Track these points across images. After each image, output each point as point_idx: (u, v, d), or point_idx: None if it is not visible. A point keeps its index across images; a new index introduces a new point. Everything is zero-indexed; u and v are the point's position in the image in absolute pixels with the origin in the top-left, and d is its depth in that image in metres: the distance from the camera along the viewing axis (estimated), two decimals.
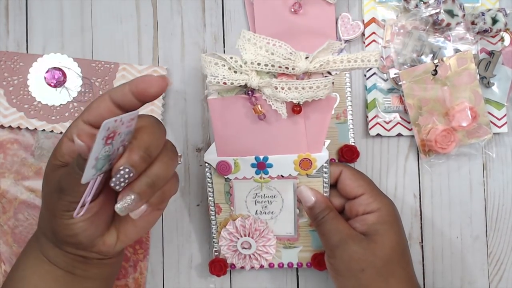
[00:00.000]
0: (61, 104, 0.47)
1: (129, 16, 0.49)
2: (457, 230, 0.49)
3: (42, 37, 0.49)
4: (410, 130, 0.48)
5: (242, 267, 0.47)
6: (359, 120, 0.49)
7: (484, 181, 0.49)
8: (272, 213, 0.46)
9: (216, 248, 0.47)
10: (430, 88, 0.47)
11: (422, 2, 0.46)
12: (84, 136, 0.28)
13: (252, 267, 0.46)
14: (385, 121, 0.48)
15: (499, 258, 0.49)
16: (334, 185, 0.45)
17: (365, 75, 0.49)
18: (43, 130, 0.47)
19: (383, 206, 0.41)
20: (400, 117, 0.48)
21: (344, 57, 0.39)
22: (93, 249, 0.35)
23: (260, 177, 0.44)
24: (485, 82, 0.48)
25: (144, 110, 0.47)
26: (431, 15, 0.47)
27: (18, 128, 0.47)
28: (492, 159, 0.49)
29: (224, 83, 0.39)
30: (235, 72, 0.39)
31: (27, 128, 0.47)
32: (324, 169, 0.43)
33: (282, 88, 0.39)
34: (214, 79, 0.39)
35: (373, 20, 0.48)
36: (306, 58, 0.39)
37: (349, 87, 0.47)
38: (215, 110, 0.42)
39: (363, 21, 0.48)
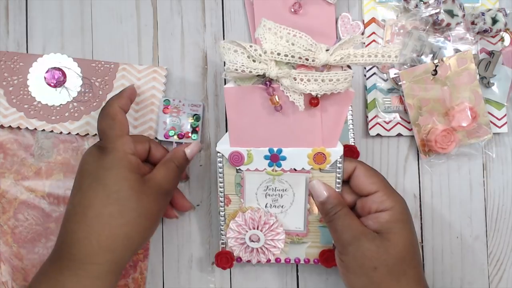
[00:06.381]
0: (61, 104, 0.47)
1: (129, 16, 0.49)
2: (457, 230, 0.49)
3: (42, 37, 0.49)
4: (410, 130, 0.48)
5: (249, 261, 0.46)
6: (359, 120, 0.49)
7: (484, 181, 0.49)
8: (282, 207, 0.45)
9: (223, 240, 0.46)
10: (430, 88, 0.47)
11: (422, 2, 0.46)
12: None
13: (259, 261, 0.46)
14: (385, 121, 0.48)
15: (499, 258, 0.49)
16: (345, 181, 0.44)
17: (365, 75, 0.48)
18: (43, 130, 0.47)
19: (396, 204, 0.41)
20: (400, 117, 0.48)
21: (365, 52, 0.38)
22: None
23: (273, 170, 0.44)
24: (485, 82, 0.48)
25: (144, 110, 0.47)
26: (431, 15, 0.47)
27: (18, 128, 0.47)
28: (492, 159, 0.49)
29: (243, 71, 0.38)
30: (254, 61, 0.38)
31: (27, 128, 0.47)
32: (338, 164, 0.43)
33: (301, 80, 0.38)
34: (233, 66, 0.38)
35: (373, 20, 0.48)
36: (327, 50, 0.38)
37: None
38: (231, 99, 0.41)
39: (363, 21, 0.48)
